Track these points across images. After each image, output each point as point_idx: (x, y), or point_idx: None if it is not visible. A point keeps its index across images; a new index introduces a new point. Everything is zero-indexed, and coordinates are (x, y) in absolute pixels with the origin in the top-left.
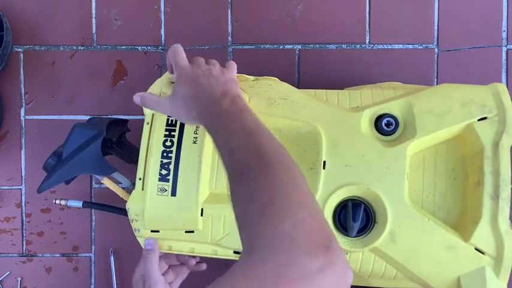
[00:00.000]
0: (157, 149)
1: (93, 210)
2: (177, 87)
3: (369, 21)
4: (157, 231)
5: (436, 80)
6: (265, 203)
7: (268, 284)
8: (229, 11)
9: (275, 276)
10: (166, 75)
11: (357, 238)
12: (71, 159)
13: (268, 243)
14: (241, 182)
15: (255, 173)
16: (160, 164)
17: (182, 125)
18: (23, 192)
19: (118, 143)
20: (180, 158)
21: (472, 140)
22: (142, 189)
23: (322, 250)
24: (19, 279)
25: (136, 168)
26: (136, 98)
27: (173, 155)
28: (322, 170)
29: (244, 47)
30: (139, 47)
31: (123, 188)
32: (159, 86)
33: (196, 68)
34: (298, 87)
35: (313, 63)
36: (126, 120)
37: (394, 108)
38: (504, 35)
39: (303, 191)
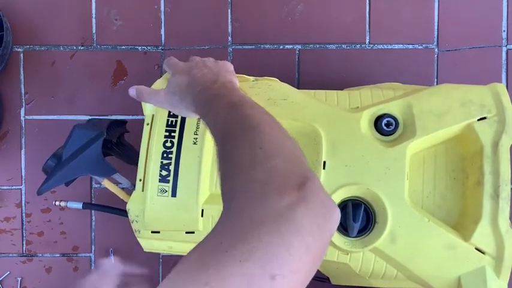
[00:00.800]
0: (157, 150)
1: (93, 211)
2: (171, 78)
3: (369, 21)
4: (158, 232)
5: (436, 80)
6: (241, 158)
7: (244, 232)
8: (229, 11)
9: (250, 223)
10: (167, 76)
11: (357, 238)
12: (71, 161)
13: (241, 194)
14: (224, 147)
15: (236, 136)
16: (161, 165)
17: (182, 126)
18: (23, 192)
19: (117, 144)
20: (180, 159)
21: (471, 140)
22: (143, 190)
23: (293, 188)
24: (19, 279)
25: (137, 169)
26: (132, 90)
27: (173, 156)
28: (322, 170)
29: (244, 47)
30: (139, 47)
31: (123, 189)
32: (160, 86)
33: (190, 62)
34: (298, 88)
35: (313, 63)
36: (125, 121)
37: (394, 108)
38: (504, 35)
39: (282, 141)
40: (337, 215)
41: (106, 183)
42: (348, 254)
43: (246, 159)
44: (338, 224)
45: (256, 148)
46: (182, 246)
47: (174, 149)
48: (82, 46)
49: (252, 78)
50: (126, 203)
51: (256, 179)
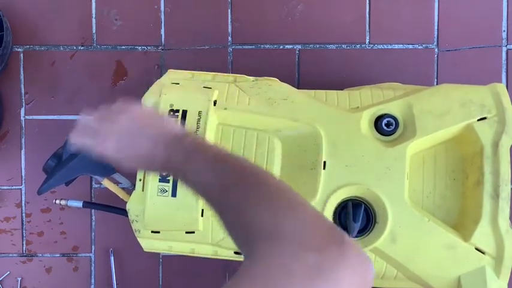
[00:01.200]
0: None
1: (93, 210)
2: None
3: (369, 21)
4: (158, 232)
5: (436, 80)
6: (262, 207)
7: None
8: (229, 11)
9: (285, 277)
10: (166, 76)
11: (358, 238)
12: (71, 161)
13: (271, 244)
14: (230, 198)
15: (244, 187)
16: None
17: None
18: (23, 192)
19: None
20: None
21: (471, 140)
22: (143, 190)
23: (333, 245)
24: (19, 279)
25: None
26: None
27: None
28: (323, 171)
29: (244, 47)
30: (139, 47)
31: (123, 188)
32: (159, 87)
33: (111, 142)
34: (298, 88)
35: (313, 63)
36: None
37: (394, 108)
38: (504, 35)
39: (291, 191)
40: (372, 270)
41: (106, 183)
42: None
43: (267, 211)
44: (374, 279)
45: (275, 200)
46: (182, 246)
47: None
48: (82, 46)
49: (252, 78)
50: (126, 202)
51: (287, 230)
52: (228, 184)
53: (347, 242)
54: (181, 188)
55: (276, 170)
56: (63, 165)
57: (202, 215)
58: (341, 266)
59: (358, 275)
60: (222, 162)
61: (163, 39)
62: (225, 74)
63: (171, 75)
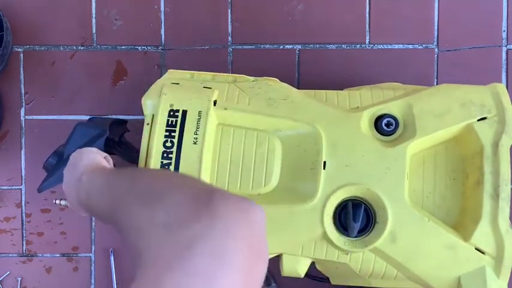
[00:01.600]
0: (157, 149)
1: None
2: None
3: (369, 21)
4: None
5: (436, 80)
6: (137, 209)
7: (169, 264)
8: (229, 11)
9: (164, 269)
10: (166, 76)
11: (358, 238)
12: None
13: (151, 244)
14: (118, 210)
15: (126, 193)
16: (161, 165)
17: (182, 126)
18: (23, 192)
19: (119, 143)
20: (181, 159)
21: (471, 140)
22: None
23: (200, 212)
24: (19, 279)
25: None
26: None
27: (173, 156)
28: (323, 171)
29: (244, 47)
30: (139, 47)
31: None
32: (159, 87)
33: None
34: (298, 87)
35: (313, 63)
36: (125, 121)
37: (394, 108)
38: (504, 35)
39: (170, 178)
40: (260, 213)
41: None
42: (348, 254)
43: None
44: (263, 216)
45: (144, 189)
46: None
47: (174, 149)
48: (82, 46)
49: (252, 78)
50: None
51: (158, 222)
52: (115, 200)
53: (216, 200)
54: None
55: (276, 170)
56: (64, 163)
57: None
58: (217, 229)
59: (242, 226)
60: (111, 176)
61: (163, 39)
62: (225, 74)
63: (171, 75)
